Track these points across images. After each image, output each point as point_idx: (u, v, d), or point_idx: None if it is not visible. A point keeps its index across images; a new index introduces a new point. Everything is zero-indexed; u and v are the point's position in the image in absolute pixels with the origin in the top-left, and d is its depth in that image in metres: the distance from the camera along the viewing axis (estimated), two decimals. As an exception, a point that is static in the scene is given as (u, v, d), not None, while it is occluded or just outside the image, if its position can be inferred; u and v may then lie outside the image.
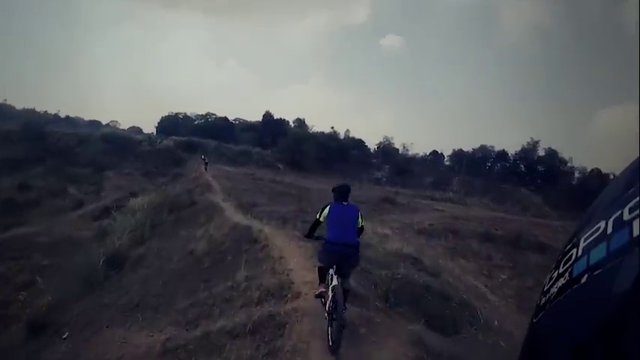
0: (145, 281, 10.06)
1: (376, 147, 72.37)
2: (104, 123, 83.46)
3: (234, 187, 29.45)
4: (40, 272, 14.95)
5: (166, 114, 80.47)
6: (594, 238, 0.54)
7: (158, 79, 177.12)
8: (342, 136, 70.41)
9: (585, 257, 0.54)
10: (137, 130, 77.52)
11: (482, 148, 73.03)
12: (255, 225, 11.13)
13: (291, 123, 74.61)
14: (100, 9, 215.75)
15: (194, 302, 7.31)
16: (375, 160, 68.12)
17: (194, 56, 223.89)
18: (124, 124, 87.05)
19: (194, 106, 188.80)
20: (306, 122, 73.90)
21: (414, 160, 68.80)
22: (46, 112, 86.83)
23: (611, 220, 0.53)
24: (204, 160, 39.69)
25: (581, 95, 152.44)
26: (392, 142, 71.60)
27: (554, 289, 0.57)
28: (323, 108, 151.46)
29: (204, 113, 79.18)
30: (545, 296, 0.60)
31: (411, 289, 8.88)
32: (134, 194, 27.75)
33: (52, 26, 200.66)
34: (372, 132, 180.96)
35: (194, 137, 59.31)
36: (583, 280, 0.51)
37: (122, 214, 19.39)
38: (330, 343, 4.80)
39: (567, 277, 0.55)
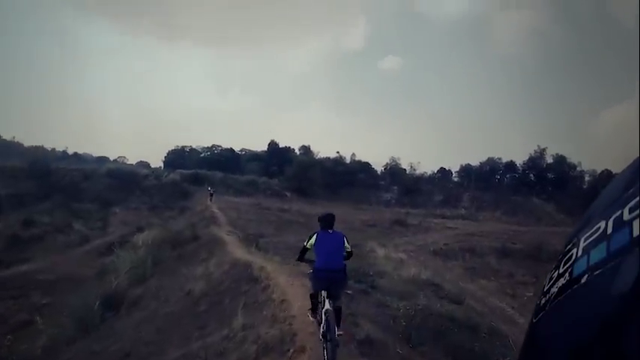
0: (138, 326, 9.25)
1: (383, 168, 71.34)
2: (112, 159, 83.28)
3: (240, 218, 28.78)
4: (39, 311, 14.30)
5: (173, 148, 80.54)
6: (594, 238, 0.54)
7: (163, 114, 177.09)
8: (347, 160, 69.41)
9: (585, 257, 0.54)
10: (145, 165, 77.33)
11: (490, 160, 71.58)
12: (258, 261, 10.28)
13: (296, 150, 74.00)
14: (102, 46, 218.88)
15: (186, 353, 6.47)
16: (382, 182, 66.79)
17: (197, 88, 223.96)
18: (132, 159, 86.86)
19: (200, 138, 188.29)
20: (312, 148, 72.89)
21: (422, 179, 67.71)
22: (54, 149, 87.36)
23: (611, 220, 0.53)
24: (209, 191, 39.30)
25: (583, 97, 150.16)
26: (398, 162, 70.36)
27: (554, 289, 0.57)
28: (327, 133, 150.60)
29: (209, 145, 79.15)
30: (545, 296, 0.59)
31: (434, 321, 8.10)
32: (140, 229, 27.09)
33: (59, 64, 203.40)
34: (378, 154, 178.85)
35: (201, 170, 58.95)
36: (583, 280, 0.51)
37: (125, 251, 18.78)
38: None
39: (567, 277, 0.55)
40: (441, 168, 77.68)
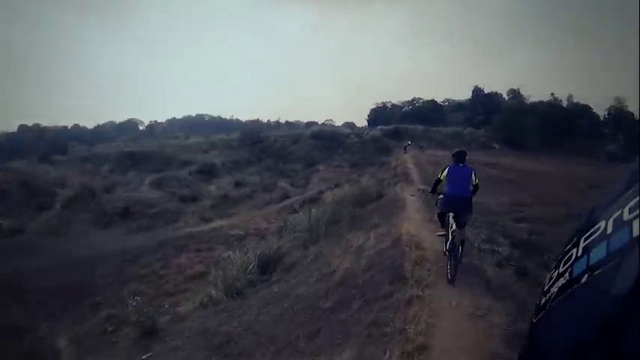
0: (269, 303, 7.14)
1: (606, 113, 56.95)
2: (320, 123, 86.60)
3: (436, 173, 25.07)
4: (216, 265, 13.97)
5: (374, 106, 78.44)
6: (594, 238, 0.54)
7: (365, 76, 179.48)
8: (564, 103, 57.82)
9: (585, 257, 0.53)
10: (350, 125, 77.76)
11: None
12: (426, 242, 7.11)
13: (504, 96, 64.88)
14: (301, 20, 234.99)
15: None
16: (607, 130, 53.57)
17: (394, 47, 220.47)
18: (339, 122, 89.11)
19: (402, 95, 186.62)
20: (522, 92, 62.84)
21: None
22: (269, 120, 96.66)
23: (611, 220, 0.53)
24: (406, 144, 38.24)
25: None
26: (625, 104, 55.07)
27: (554, 289, 0.57)
28: (539, 74, 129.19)
29: (410, 99, 74.96)
30: (545, 296, 0.59)
31: None
32: (338, 185, 26.56)
33: (270, 48, 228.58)
34: (600, 95, 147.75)
35: (402, 125, 56.41)
36: (583, 280, 0.51)
37: (310, 209, 17.69)
38: (449, 276, 5.55)
39: (567, 277, 0.55)
40: (677, 108, 57.61)
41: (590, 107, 57.33)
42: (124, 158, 44.55)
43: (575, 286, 0.51)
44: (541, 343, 0.55)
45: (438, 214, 6.54)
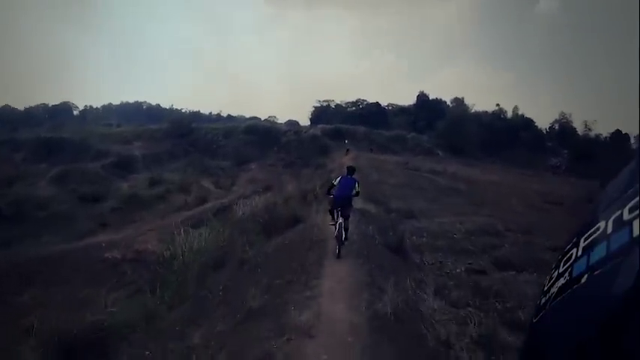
0: None
1: (548, 128, 56.77)
2: (263, 119, 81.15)
3: (381, 182, 20.69)
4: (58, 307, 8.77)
5: (317, 105, 73.52)
6: (594, 238, 0.53)
7: (310, 75, 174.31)
8: (509, 115, 56.67)
9: (585, 257, 0.53)
10: (294, 124, 72.97)
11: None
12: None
13: (448, 103, 62.86)
14: (250, 16, 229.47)
15: None
16: (550, 144, 52.64)
17: (342, 51, 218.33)
18: (282, 119, 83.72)
19: (347, 97, 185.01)
20: (465, 102, 61.49)
21: (596, 142, 51.35)
22: (210, 113, 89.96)
23: (611, 220, 0.52)
24: (346, 147, 35.29)
25: None
26: (570, 119, 55.27)
27: (554, 289, 0.56)
28: (481, 88, 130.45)
29: (354, 100, 70.77)
30: (545, 296, 0.58)
31: None
32: (268, 188, 23.14)
33: (218, 41, 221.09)
34: (542, 112, 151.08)
35: (344, 125, 52.20)
36: (583, 280, 0.51)
37: (205, 229, 13.55)
38: (337, 253, 7.65)
39: (567, 277, 0.54)
40: (617, 130, 56.99)
41: (533, 120, 56.23)
42: (41, 146, 37.93)
43: (575, 286, 0.50)
44: (541, 343, 0.53)
45: (329, 210, 8.32)
